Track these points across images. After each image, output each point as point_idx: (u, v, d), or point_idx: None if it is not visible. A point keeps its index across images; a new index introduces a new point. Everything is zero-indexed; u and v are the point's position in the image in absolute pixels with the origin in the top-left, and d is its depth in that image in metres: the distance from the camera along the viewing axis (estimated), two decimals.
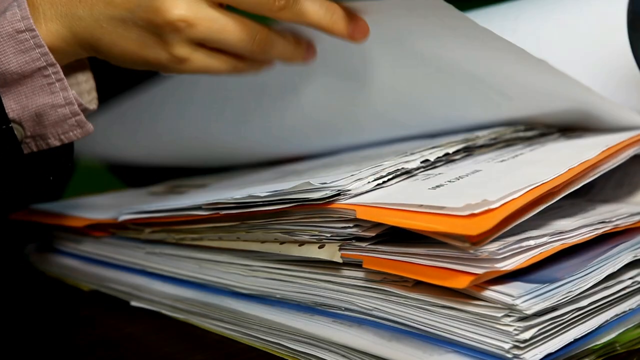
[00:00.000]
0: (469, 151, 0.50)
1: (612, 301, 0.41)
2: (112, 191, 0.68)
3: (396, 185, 0.44)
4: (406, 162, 0.46)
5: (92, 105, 0.52)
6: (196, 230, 0.51)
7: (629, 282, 0.42)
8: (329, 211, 0.43)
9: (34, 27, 0.47)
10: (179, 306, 0.52)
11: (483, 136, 0.52)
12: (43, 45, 0.48)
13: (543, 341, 0.38)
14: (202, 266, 0.51)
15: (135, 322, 0.53)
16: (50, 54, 0.48)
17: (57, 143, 0.50)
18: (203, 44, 0.49)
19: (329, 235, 0.43)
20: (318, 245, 0.44)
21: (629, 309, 0.42)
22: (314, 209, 0.43)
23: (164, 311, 0.53)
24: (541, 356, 0.37)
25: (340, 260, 0.42)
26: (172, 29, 0.47)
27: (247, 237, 0.48)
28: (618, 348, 0.41)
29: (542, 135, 0.55)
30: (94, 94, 0.52)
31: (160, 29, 0.47)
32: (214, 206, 0.48)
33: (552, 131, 0.55)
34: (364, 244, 0.42)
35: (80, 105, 0.49)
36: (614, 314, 0.41)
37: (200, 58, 0.49)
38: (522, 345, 0.37)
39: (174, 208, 0.51)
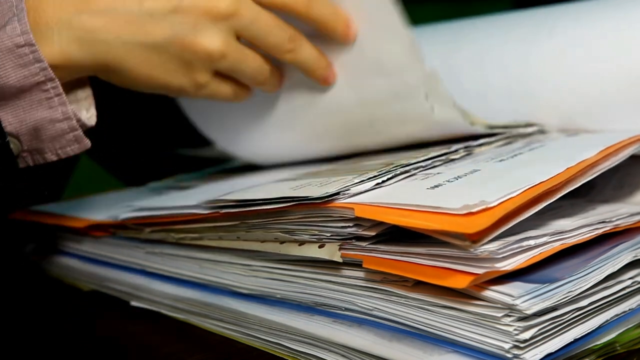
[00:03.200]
0: (468, 150, 0.50)
1: (612, 301, 0.41)
2: (112, 191, 0.68)
3: (395, 185, 0.44)
4: (406, 161, 0.47)
5: (91, 121, 0.52)
6: (196, 230, 0.51)
7: (629, 282, 0.42)
8: (329, 210, 0.43)
9: (33, 41, 0.48)
10: (179, 306, 0.52)
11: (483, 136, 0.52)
12: (42, 60, 0.48)
13: (543, 341, 0.38)
14: (202, 266, 0.51)
15: (135, 322, 0.53)
16: (50, 69, 0.48)
17: (54, 158, 0.51)
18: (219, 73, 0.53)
19: (329, 234, 0.43)
20: (318, 244, 0.44)
21: (629, 309, 0.42)
22: (314, 208, 0.43)
23: (164, 311, 0.53)
24: (541, 356, 0.37)
25: (340, 260, 0.42)
26: (205, 59, 0.51)
27: (247, 236, 0.48)
28: (618, 348, 0.41)
29: (542, 132, 0.55)
30: (93, 111, 0.53)
31: (193, 57, 0.51)
32: (214, 205, 0.48)
33: (551, 129, 0.55)
34: (364, 244, 0.42)
35: (78, 120, 0.50)
36: (614, 314, 0.41)
37: (215, 85, 0.54)
38: (522, 345, 0.37)
39: (174, 206, 0.51)
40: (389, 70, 0.53)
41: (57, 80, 0.49)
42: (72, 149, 0.51)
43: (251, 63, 0.53)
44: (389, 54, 0.53)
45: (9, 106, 0.49)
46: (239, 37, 0.52)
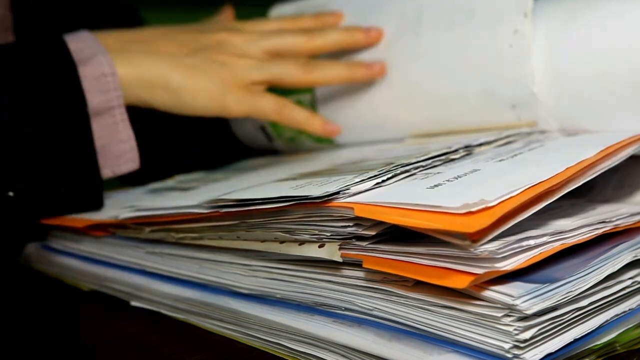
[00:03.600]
0: (468, 150, 0.50)
1: (612, 301, 0.41)
2: (112, 191, 0.68)
3: (395, 184, 0.44)
4: (406, 161, 0.47)
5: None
6: (196, 230, 0.51)
7: (629, 282, 0.42)
8: (328, 210, 0.43)
9: (116, 70, 0.57)
10: (179, 306, 0.52)
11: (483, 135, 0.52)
12: (119, 88, 0.56)
13: (543, 341, 0.38)
14: (202, 266, 0.51)
15: (135, 322, 0.53)
16: (122, 97, 0.57)
17: (110, 174, 0.59)
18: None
19: (329, 234, 0.43)
20: (318, 244, 0.44)
21: (629, 309, 0.42)
22: (313, 207, 0.43)
23: (164, 311, 0.53)
24: (541, 356, 0.37)
25: (340, 260, 0.42)
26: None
27: (247, 236, 0.48)
28: (618, 348, 0.41)
29: (541, 132, 0.55)
30: (136, 152, 0.61)
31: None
32: (214, 204, 0.48)
33: (551, 129, 0.55)
34: (364, 243, 0.42)
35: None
36: (614, 314, 0.41)
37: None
38: (522, 345, 0.37)
39: (174, 206, 0.51)
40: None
41: (124, 106, 0.57)
42: (127, 167, 0.59)
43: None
44: None
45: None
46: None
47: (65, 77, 0.56)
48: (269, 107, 0.62)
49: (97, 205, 0.59)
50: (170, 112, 0.61)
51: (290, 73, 0.62)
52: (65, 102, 0.56)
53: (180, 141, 0.79)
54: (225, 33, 0.64)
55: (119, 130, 0.58)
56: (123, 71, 0.58)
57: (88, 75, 0.56)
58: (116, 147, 0.57)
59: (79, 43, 0.58)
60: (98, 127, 0.57)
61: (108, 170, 0.58)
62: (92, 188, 0.58)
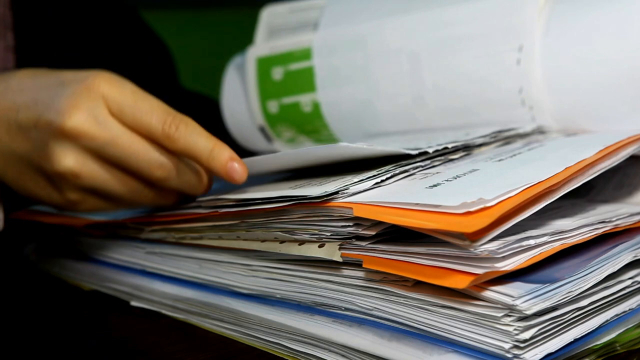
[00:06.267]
0: (467, 150, 0.50)
1: (612, 301, 0.41)
2: None
3: (394, 184, 0.44)
4: (405, 162, 0.47)
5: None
6: (196, 229, 0.51)
7: (629, 282, 0.42)
8: (328, 210, 0.43)
9: None
10: (179, 306, 0.52)
11: (482, 134, 0.52)
12: None
13: (543, 341, 0.38)
14: (202, 266, 0.51)
15: (135, 322, 0.53)
16: None
17: None
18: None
19: (329, 234, 0.43)
20: (318, 244, 0.44)
21: (629, 309, 0.42)
22: (313, 207, 0.43)
23: (164, 311, 0.53)
24: (541, 356, 0.37)
25: (340, 260, 0.42)
26: (61, 178, 0.49)
27: (247, 236, 0.48)
28: (618, 348, 0.41)
29: (541, 132, 0.55)
30: (1, 215, 0.54)
31: (52, 175, 0.49)
32: (213, 204, 0.48)
33: (550, 128, 0.55)
34: (363, 243, 0.42)
35: None
36: (614, 314, 0.41)
37: (93, 202, 0.51)
38: (522, 345, 0.37)
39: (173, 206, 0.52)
40: None
41: None
42: None
43: (116, 184, 0.49)
44: None
45: None
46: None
47: None
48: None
49: None
50: None
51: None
52: None
53: None
54: None
55: None
56: None
57: None
58: None
59: None
60: None
61: None
62: None
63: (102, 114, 0.47)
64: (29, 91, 0.49)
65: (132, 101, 0.48)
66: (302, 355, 0.44)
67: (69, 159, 0.48)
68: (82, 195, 0.50)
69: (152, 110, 0.48)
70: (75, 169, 0.48)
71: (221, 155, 0.48)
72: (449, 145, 0.49)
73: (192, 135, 0.48)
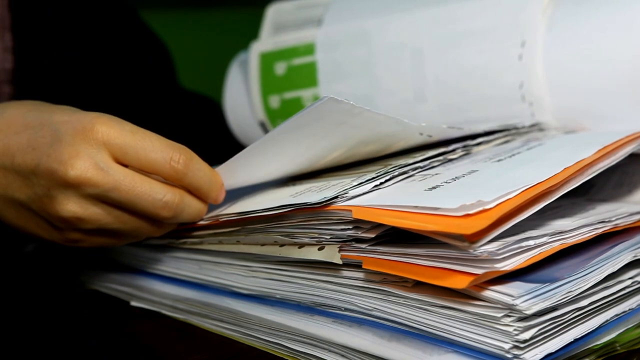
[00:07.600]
0: (466, 150, 0.50)
1: (612, 301, 0.41)
2: None
3: (393, 187, 0.44)
4: (404, 162, 0.46)
5: None
6: (197, 235, 0.51)
7: (629, 282, 0.42)
8: (327, 213, 0.43)
9: None
10: (179, 306, 0.52)
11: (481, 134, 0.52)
12: None
13: (543, 341, 0.38)
14: (202, 267, 0.51)
15: (135, 322, 0.53)
16: None
17: None
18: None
19: (328, 237, 0.43)
20: (318, 247, 0.44)
21: (629, 309, 0.42)
22: (313, 211, 0.43)
23: (164, 311, 0.53)
24: (541, 356, 0.37)
25: (340, 262, 0.42)
26: (63, 222, 0.48)
27: (247, 240, 0.48)
28: (618, 348, 0.41)
29: (540, 130, 0.55)
30: None
31: (53, 220, 0.48)
32: (215, 221, 0.48)
33: (549, 126, 0.55)
34: (363, 245, 0.42)
35: None
36: (614, 314, 0.41)
37: (95, 240, 0.50)
38: (522, 345, 0.37)
39: None
40: None
41: None
42: None
43: (120, 225, 0.49)
44: None
45: None
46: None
47: None
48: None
49: None
50: None
51: None
52: None
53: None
54: None
55: None
56: None
57: None
58: None
59: None
60: None
61: None
62: None
63: (103, 160, 0.47)
64: (23, 134, 0.48)
65: (133, 141, 0.47)
66: (302, 355, 0.44)
67: (72, 205, 0.47)
68: (85, 236, 0.50)
69: (154, 148, 0.48)
70: (79, 214, 0.48)
71: (217, 183, 0.49)
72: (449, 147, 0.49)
73: (199, 169, 0.48)
